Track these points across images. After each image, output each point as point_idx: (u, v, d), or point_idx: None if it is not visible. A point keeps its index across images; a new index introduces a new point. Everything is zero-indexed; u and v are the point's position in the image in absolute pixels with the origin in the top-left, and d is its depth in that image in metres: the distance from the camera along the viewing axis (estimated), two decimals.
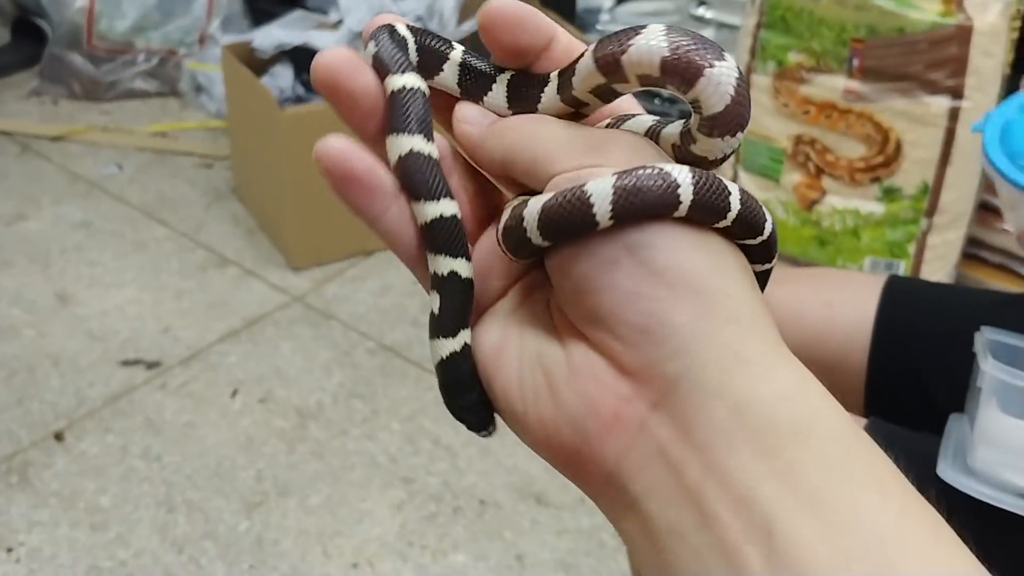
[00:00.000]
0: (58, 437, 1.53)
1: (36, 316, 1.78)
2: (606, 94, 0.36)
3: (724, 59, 0.33)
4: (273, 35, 1.97)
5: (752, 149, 1.82)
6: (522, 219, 0.35)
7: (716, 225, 0.35)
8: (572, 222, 0.34)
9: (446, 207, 0.37)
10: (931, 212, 1.69)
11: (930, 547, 0.30)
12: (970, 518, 0.65)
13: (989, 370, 0.66)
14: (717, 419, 0.32)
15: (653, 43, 0.33)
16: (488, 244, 0.40)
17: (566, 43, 0.38)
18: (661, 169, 0.33)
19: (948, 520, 0.32)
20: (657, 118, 0.39)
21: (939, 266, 1.73)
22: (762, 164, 1.82)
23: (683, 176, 0.33)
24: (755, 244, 0.36)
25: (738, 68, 0.34)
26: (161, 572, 1.34)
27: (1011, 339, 0.72)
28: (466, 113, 0.39)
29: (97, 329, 1.76)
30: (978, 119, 1.62)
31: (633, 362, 0.34)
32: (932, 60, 1.62)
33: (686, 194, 0.33)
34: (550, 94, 0.38)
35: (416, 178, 0.37)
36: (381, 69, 0.37)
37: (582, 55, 0.36)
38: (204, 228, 2.03)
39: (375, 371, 1.69)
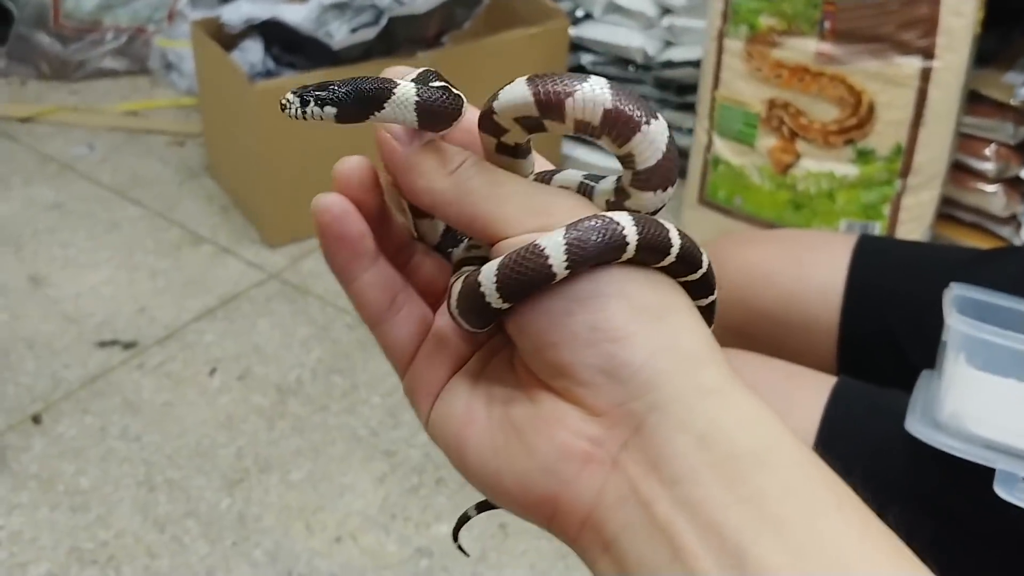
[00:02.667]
0: (36, 420, 1.53)
1: (9, 299, 1.76)
2: (531, 126, 0.37)
3: (657, 118, 0.35)
4: (242, 10, 1.94)
5: (726, 114, 1.82)
6: (478, 285, 0.36)
7: (659, 264, 0.36)
8: (530, 277, 0.34)
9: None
10: (905, 173, 1.70)
11: (891, 570, 0.32)
12: (936, 472, 0.66)
13: (955, 325, 0.67)
14: (683, 452, 0.33)
15: (599, 92, 0.34)
16: (446, 317, 0.40)
17: None
18: (606, 218, 0.35)
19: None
20: (584, 173, 0.40)
21: (914, 227, 1.74)
22: (736, 129, 1.81)
23: (626, 221, 0.35)
24: (695, 280, 0.38)
25: (668, 128, 0.36)
26: (143, 552, 1.34)
27: (980, 295, 0.73)
28: (395, 130, 0.39)
29: (72, 311, 1.74)
30: (949, 79, 1.64)
31: (599, 404, 0.35)
32: (903, 20, 1.62)
33: (631, 237, 0.35)
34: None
35: None
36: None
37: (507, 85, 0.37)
38: (178, 206, 2.02)
39: (354, 345, 1.68)
